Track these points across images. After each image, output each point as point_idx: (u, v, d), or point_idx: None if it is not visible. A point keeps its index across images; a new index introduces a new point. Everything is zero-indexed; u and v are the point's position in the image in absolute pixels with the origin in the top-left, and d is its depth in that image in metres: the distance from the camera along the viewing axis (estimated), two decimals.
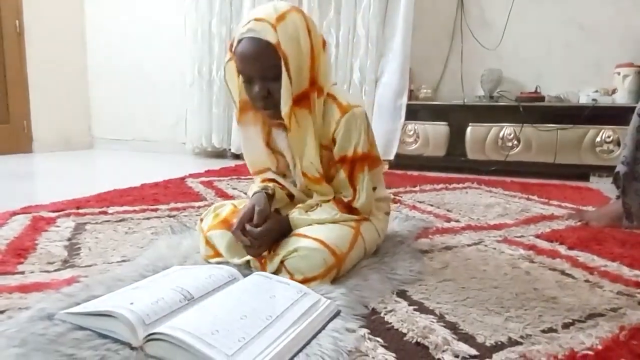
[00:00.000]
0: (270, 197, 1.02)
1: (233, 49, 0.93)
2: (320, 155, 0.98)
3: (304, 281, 0.88)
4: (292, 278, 0.89)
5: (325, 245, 0.90)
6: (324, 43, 0.98)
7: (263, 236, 0.92)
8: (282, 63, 0.88)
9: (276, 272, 0.92)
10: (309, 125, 0.95)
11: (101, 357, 0.62)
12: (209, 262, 1.01)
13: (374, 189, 1.08)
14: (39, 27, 3.47)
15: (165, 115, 3.69)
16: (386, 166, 2.79)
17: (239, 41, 0.91)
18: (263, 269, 0.94)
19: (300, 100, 0.93)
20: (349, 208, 1.00)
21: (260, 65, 0.90)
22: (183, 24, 3.42)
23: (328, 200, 1.02)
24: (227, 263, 0.98)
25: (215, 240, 1.01)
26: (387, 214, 1.17)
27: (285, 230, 0.97)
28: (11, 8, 3.30)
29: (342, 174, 1.00)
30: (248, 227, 0.93)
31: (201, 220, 1.08)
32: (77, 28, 3.82)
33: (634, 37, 2.66)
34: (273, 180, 1.09)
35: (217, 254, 1.01)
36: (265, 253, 0.95)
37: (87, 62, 3.90)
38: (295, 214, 0.99)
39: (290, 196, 1.09)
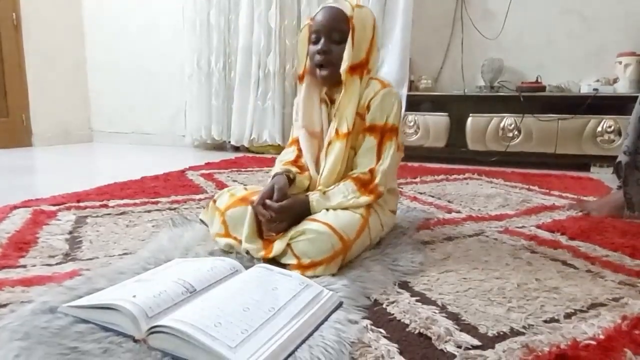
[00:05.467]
0: (291, 181, 1.06)
1: (313, 17, 1.10)
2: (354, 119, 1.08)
3: (311, 265, 0.89)
4: (298, 261, 0.90)
5: (333, 230, 0.91)
6: (378, 48, 1.13)
7: (284, 211, 0.96)
8: (350, 32, 1.04)
9: (282, 254, 0.93)
10: (356, 90, 1.07)
11: (104, 350, 0.62)
12: (216, 241, 1.04)
13: None
14: (36, 20, 3.45)
15: (165, 107, 3.68)
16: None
17: (321, 9, 1.08)
18: (269, 252, 0.95)
19: (356, 68, 1.07)
20: (366, 185, 1.03)
21: (331, 26, 1.06)
22: (181, 15, 3.40)
23: (347, 178, 1.05)
24: (230, 254, 0.98)
25: (235, 219, 1.03)
26: (393, 212, 1.18)
27: (303, 211, 1.00)
28: (8, 1, 3.27)
29: (369, 142, 1.06)
30: (269, 202, 0.97)
31: (214, 201, 1.12)
32: (74, 20, 3.79)
33: (635, 25, 2.64)
34: (296, 162, 1.13)
35: (228, 235, 1.03)
36: (273, 234, 0.98)
37: (85, 55, 3.88)
38: (315, 196, 1.01)
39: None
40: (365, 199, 1.02)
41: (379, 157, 1.05)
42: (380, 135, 1.06)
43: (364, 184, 1.03)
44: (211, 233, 1.09)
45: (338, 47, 1.05)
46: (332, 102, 1.12)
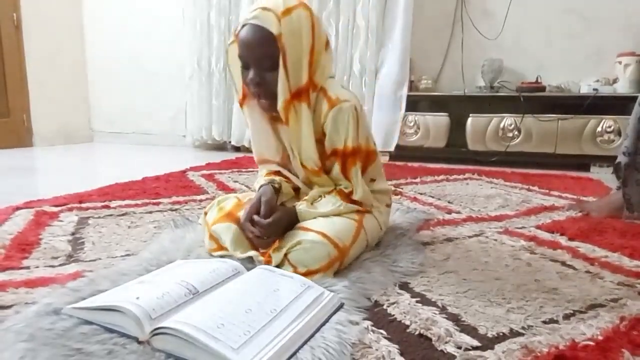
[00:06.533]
0: (277, 190, 1.03)
1: (237, 33, 0.94)
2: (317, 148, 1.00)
3: (307, 274, 0.89)
4: (295, 271, 0.90)
5: (328, 239, 0.91)
6: (327, 43, 0.99)
7: (272, 227, 0.94)
8: (280, 56, 0.89)
9: (280, 265, 0.93)
10: (308, 119, 0.96)
11: (109, 352, 0.63)
12: (213, 256, 1.02)
13: (373, 180, 1.11)
14: (37, 21, 3.45)
15: (165, 108, 3.68)
16: (386, 157, 2.80)
17: (243, 26, 0.92)
18: (268, 262, 0.94)
19: (300, 94, 0.94)
20: (351, 198, 1.01)
21: (258, 53, 0.91)
22: (181, 15, 3.40)
23: (331, 191, 1.02)
24: (230, 257, 0.99)
25: (219, 234, 1.01)
26: (388, 206, 1.17)
27: (292, 221, 0.98)
28: (8, 1, 3.28)
29: (337, 168, 1.01)
30: (256, 218, 0.94)
31: (205, 213, 1.09)
32: (75, 21, 3.80)
33: (635, 25, 2.64)
34: (279, 173, 1.10)
35: (221, 248, 1.02)
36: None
37: (85, 55, 3.89)
38: (302, 207, 1.00)
39: (296, 189, 1.10)
40: (354, 206, 1.01)
41: (350, 182, 1.01)
42: (342, 160, 0.99)
43: (349, 197, 1.01)
44: (205, 248, 1.05)
45: (272, 74, 0.91)
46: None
